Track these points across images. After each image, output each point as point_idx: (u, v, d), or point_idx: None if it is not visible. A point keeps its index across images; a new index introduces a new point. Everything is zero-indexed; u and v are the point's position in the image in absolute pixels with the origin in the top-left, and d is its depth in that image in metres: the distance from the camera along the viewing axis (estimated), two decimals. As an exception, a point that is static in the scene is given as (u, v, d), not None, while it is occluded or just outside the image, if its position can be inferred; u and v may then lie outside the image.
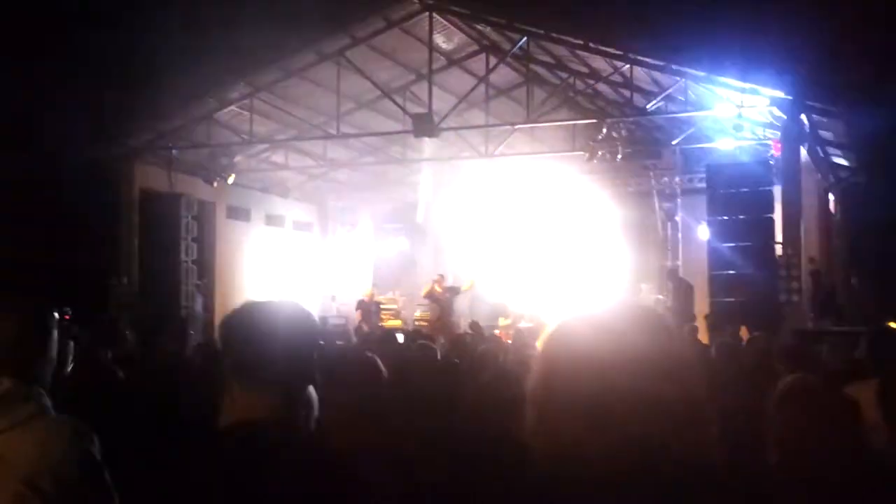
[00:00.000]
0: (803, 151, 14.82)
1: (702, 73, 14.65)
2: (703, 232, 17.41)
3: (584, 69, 16.84)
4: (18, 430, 2.40)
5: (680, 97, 15.79)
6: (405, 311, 21.18)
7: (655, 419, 1.48)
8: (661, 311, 1.68)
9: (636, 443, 1.47)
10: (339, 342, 12.77)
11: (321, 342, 2.37)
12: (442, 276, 18.92)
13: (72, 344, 4.50)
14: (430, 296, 18.71)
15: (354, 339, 13.98)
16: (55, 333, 2.71)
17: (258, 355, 2.12)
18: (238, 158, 17.78)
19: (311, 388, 2.29)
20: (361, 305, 19.66)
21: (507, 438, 2.71)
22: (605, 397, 1.49)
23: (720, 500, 1.52)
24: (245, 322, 2.19)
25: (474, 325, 15.21)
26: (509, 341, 13.96)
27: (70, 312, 11.84)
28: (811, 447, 2.89)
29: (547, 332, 1.62)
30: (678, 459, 1.47)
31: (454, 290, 18.77)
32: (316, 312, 19.20)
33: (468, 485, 2.70)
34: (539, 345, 1.64)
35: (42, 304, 2.72)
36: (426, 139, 15.93)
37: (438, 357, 5.52)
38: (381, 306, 20.53)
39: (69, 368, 4.44)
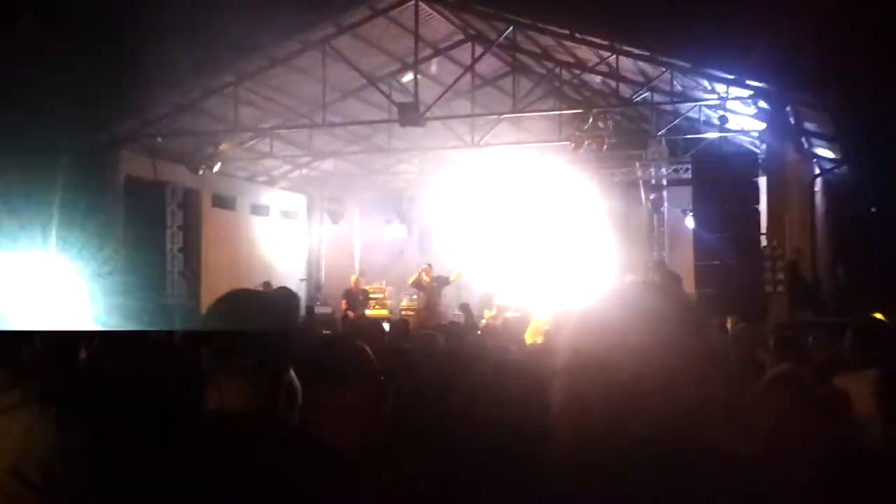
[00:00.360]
0: (788, 143, 14.88)
1: (687, 64, 14.68)
2: (689, 223, 17.49)
3: (571, 59, 16.85)
4: (3, 418, 2.39)
5: (666, 87, 15.83)
6: (392, 301, 21.15)
7: (684, 399, 1.50)
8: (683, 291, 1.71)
9: (669, 423, 1.49)
10: (325, 331, 12.73)
11: (299, 329, 2.39)
12: (430, 266, 18.90)
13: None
14: (417, 284, 18.70)
15: (340, 328, 13.95)
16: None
17: (234, 343, 2.14)
18: (223, 147, 17.69)
19: (294, 377, 2.30)
20: (347, 294, 19.62)
21: (518, 427, 2.70)
22: (635, 377, 1.51)
23: (744, 483, 1.53)
24: (225, 310, 2.20)
25: (464, 308, 15.19)
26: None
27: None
28: (798, 438, 2.90)
29: (575, 314, 1.64)
30: (706, 441, 1.50)
31: (442, 280, 18.76)
32: (302, 301, 19.23)
33: (475, 473, 2.69)
34: (568, 326, 1.65)
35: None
36: (412, 128, 15.87)
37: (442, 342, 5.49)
38: (369, 295, 20.46)
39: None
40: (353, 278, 20.17)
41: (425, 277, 18.48)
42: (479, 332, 10.20)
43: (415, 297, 19.67)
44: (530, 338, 10.95)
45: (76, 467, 2.41)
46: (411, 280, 18.97)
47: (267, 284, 17.11)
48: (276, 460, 2.03)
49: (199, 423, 2.18)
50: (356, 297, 19.42)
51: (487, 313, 18.64)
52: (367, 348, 3.24)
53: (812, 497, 2.67)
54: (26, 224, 13.98)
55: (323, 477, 2.06)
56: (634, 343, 1.54)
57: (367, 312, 19.16)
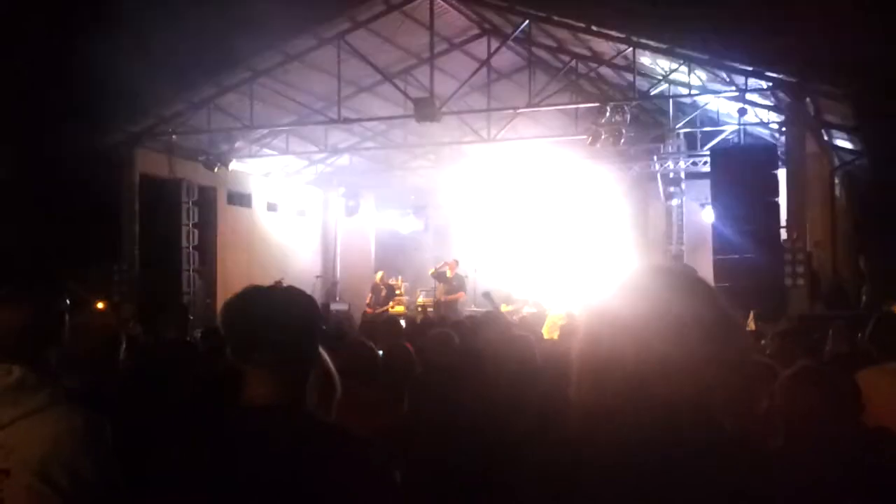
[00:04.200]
0: (808, 134, 14.75)
1: (705, 56, 14.56)
2: (708, 216, 17.36)
3: (587, 52, 16.76)
4: (30, 420, 2.36)
5: (683, 80, 15.71)
6: (408, 297, 21.10)
7: (690, 381, 1.54)
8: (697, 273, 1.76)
9: (668, 404, 1.54)
10: (323, 326, 12.69)
11: (322, 325, 2.37)
12: (456, 262, 18.84)
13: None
14: (439, 276, 18.65)
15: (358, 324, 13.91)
16: (67, 321, 2.68)
17: (258, 338, 2.14)
18: (238, 144, 17.75)
19: (335, 371, 2.31)
20: (374, 288, 19.58)
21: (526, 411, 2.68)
22: (643, 360, 1.55)
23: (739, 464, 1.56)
24: (245, 306, 2.19)
25: (486, 295, 15.09)
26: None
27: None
28: (818, 432, 2.87)
29: (591, 299, 1.71)
30: (709, 423, 1.55)
31: (462, 279, 18.72)
32: (318, 298, 19.21)
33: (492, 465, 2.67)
34: (584, 312, 1.73)
35: (53, 291, 2.67)
36: (428, 123, 15.83)
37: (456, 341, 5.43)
38: (394, 291, 20.28)
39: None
40: (379, 274, 20.10)
41: (449, 273, 18.44)
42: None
43: (435, 287, 19.44)
44: (547, 333, 10.91)
45: (104, 469, 2.40)
46: (432, 270, 18.97)
47: (278, 283, 17.07)
48: (301, 452, 2.03)
49: (223, 417, 2.17)
50: (379, 293, 19.39)
51: (505, 308, 18.58)
52: (374, 347, 3.23)
53: (835, 491, 2.64)
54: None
55: (346, 468, 2.05)
56: (647, 322, 1.58)
57: (385, 308, 19.08)
